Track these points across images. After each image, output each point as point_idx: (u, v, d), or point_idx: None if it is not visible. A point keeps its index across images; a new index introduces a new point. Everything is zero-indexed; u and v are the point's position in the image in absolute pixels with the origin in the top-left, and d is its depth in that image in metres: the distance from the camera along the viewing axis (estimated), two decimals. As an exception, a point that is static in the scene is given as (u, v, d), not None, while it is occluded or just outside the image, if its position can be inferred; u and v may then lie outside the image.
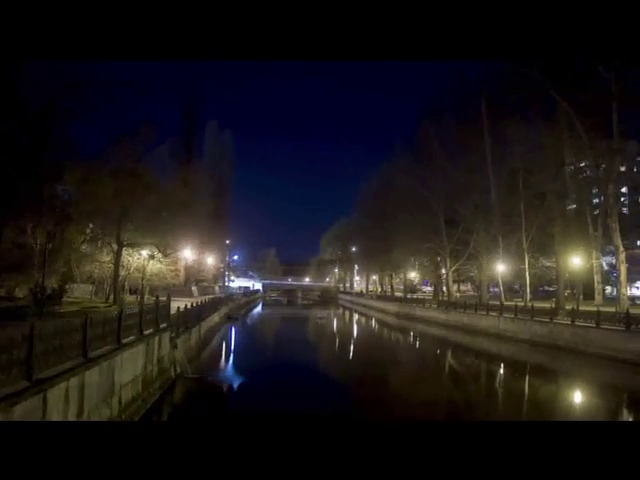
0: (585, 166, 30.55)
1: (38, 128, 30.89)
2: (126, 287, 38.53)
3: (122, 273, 36.21)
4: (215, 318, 32.42)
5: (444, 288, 69.44)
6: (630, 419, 14.24)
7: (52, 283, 28.27)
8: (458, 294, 67.09)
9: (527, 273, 39.01)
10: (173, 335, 17.04)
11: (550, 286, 54.02)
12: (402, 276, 71.90)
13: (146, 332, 13.15)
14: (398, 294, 68.29)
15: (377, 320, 53.14)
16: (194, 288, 56.36)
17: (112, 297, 33.91)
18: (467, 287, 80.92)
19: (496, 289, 54.89)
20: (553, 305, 30.75)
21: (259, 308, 71.78)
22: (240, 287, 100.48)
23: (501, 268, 40.50)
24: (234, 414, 12.38)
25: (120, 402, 10.32)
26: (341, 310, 71.50)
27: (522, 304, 32.94)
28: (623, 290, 28.37)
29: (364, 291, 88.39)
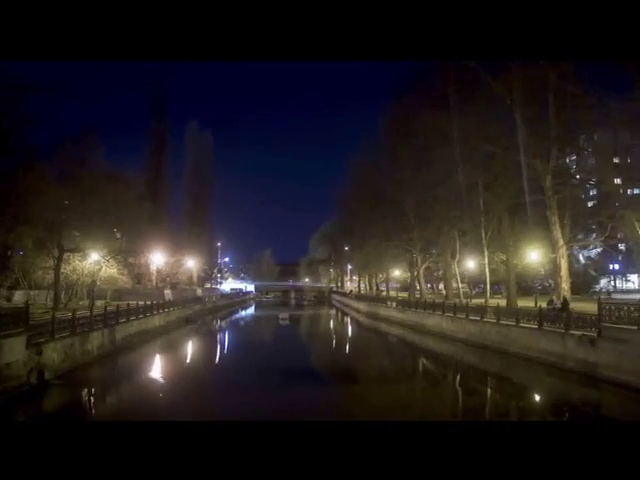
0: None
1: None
2: (79, 292, 38.38)
3: (74, 278, 36.24)
4: (155, 321, 32.01)
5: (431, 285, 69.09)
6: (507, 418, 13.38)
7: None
8: (444, 291, 65.97)
9: (487, 269, 38.05)
10: (42, 340, 16.67)
11: (534, 282, 52.91)
12: (384, 275, 70.89)
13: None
14: (391, 293, 67.16)
15: (349, 318, 52.49)
16: (167, 291, 55.99)
17: (66, 302, 33.91)
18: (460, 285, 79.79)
19: (483, 286, 54.11)
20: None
21: (244, 311, 70.58)
22: (233, 289, 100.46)
23: (459, 265, 39.55)
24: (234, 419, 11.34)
25: None
26: (329, 310, 70.67)
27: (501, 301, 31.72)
28: (564, 285, 27.18)
29: (353, 291, 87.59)
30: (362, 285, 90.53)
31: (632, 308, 15.46)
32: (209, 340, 35.52)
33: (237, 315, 61.00)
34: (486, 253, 37.67)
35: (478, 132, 29.05)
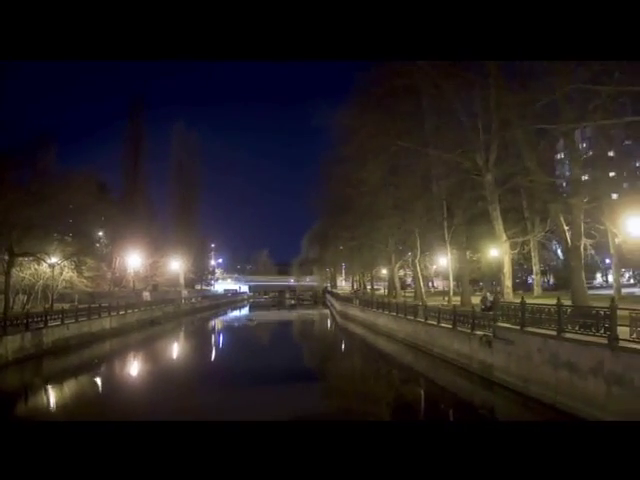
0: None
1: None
2: (48, 297, 38.50)
3: (32, 282, 36.52)
4: (105, 323, 31.94)
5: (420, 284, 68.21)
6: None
7: None
8: (433, 289, 65.18)
9: (449, 267, 37.37)
10: None
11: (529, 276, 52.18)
12: (372, 274, 70.15)
13: None
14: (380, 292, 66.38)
15: (328, 318, 52.15)
16: (146, 294, 55.76)
17: (24, 306, 34.19)
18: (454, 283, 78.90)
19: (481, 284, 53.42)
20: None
21: (228, 312, 68.23)
22: (226, 290, 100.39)
23: (426, 263, 38.84)
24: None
25: None
26: (316, 310, 69.97)
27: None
28: (507, 282, 26.30)
29: (345, 289, 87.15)
30: (355, 284, 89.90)
31: (516, 307, 14.73)
32: (161, 345, 34.40)
33: (216, 317, 58.84)
34: (449, 250, 36.99)
35: (389, 129, 28.54)
